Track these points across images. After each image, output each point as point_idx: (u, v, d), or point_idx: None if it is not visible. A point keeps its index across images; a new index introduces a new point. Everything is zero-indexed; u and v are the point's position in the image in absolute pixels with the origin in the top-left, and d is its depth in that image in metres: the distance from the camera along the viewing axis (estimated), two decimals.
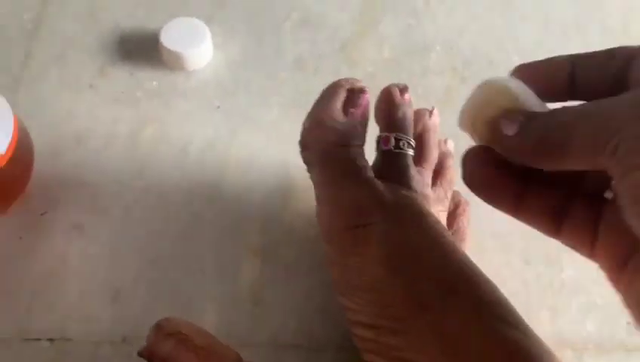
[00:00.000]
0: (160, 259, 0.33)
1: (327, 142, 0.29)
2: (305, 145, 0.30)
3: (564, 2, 0.44)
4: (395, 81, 0.40)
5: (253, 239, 0.34)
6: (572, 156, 0.20)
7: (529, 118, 0.22)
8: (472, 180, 0.24)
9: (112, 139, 0.37)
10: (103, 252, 0.33)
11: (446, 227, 0.30)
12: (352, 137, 0.29)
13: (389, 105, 0.30)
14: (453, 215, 0.32)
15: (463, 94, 0.38)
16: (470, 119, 0.24)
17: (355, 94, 0.29)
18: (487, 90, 0.24)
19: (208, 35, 0.39)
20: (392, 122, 0.29)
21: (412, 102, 0.31)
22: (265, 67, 0.40)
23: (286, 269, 0.33)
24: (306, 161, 0.30)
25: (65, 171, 0.36)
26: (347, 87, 0.29)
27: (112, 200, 0.35)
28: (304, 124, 0.30)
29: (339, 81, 0.30)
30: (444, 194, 0.31)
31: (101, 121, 0.37)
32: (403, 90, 0.30)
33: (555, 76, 0.24)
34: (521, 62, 0.43)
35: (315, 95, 0.39)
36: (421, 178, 0.30)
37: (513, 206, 0.24)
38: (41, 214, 0.34)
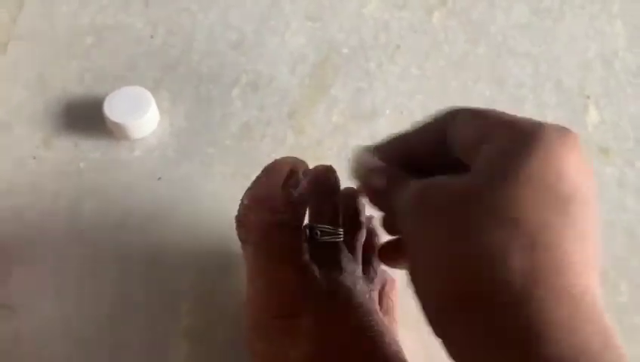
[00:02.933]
0: (89, 342, 0.32)
1: (264, 221, 0.28)
2: (241, 222, 0.29)
3: (519, 60, 0.44)
4: (343, 148, 0.40)
5: (183, 320, 0.33)
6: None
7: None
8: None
9: (52, 213, 0.36)
10: (32, 334, 0.33)
11: (378, 311, 0.29)
12: (291, 218, 0.28)
13: (316, 193, 0.29)
14: (382, 293, 0.31)
15: None
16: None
17: (296, 175, 0.29)
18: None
19: (153, 104, 0.39)
20: (318, 209, 0.29)
21: (340, 184, 0.30)
22: (210, 134, 0.40)
23: (216, 350, 0.32)
24: (241, 238, 0.30)
25: (2, 247, 0.35)
26: (289, 167, 0.29)
27: (48, 278, 0.34)
28: (242, 200, 0.30)
29: (282, 159, 0.30)
30: (374, 272, 0.31)
31: (42, 195, 0.37)
32: (329, 170, 0.30)
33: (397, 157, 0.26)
34: None
35: (259, 163, 0.39)
36: (353, 260, 0.29)
37: None
38: None
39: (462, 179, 0.21)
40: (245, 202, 0.30)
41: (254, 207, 0.29)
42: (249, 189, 0.30)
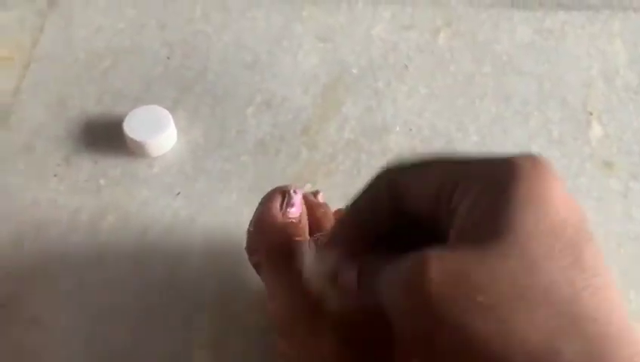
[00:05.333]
0: (112, 354, 0.33)
1: (270, 242, 0.31)
2: (251, 249, 0.32)
3: (524, 78, 0.45)
4: (355, 163, 0.41)
5: (204, 330, 0.34)
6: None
7: None
8: None
9: (73, 229, 0.37)
10: (57, 346, 0.33)
11: None
12: (293, 234, 0.31)
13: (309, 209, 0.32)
14: None
15: None
16: None
17: (288, 195, 0.31)
18: None
19: (171, 122, 0.40)
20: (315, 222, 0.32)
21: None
22: (226, 150, 0.41)
23: (236, 361, 0.33)
24: (254, 264, 0.32)
25: (25, 262, 0.36)
26: (280, 191, 0.32)
27: (70, 292, 0.35)
28: (248, 230, 0.32)
29: (272, 189, 0.32)
30: None
31: (63, 210, 0.38)
32: (315, 193, 0.34)
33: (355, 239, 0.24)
34: (480, 141, 0.44)
35: (274, 178, 0.40)
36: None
37: None
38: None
39: (453, 253, 0.18)
40: (251, 229, 0.32)
41: (260, 231, 0.31)
42: (252, 220, 0.33)
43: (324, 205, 0.33)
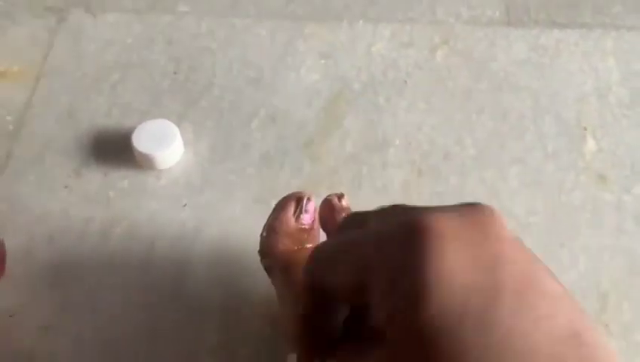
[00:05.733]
0: (123, 357, 0.34)
1: (284, 246, 0.31)
2: (264, 253, 0.33)
3: (520, 94, 0.47)
4: (356, 175, 0.42)
5: (212, 338, 0.35)
6: None
7: None
8: None
9: (83, 239, 0.38)
10: (67, 354, 0.34)
11: None
12: (306, 240, 0.32)
13: (331, 212, 0.32)
14: None
15: (420, 187, 0.40)
16: None
17: (302, 202, 0.32)
18: None
19: (178, 136, 0.41)
20: (333, 228, 0.32)
21: (350, 207, 0.33)
22: (232, 163, 0.42)
23: None
24: (266, 268, 0.33)
25: (36, 271, 0.37)
26: (294, 198, 0.33)
27: (79, 300, 0.36)
28: (262, 234, 0.33)
29: (288, 195, 0.33)
30: None
31: (73, 221, 0.39)
32: (340, 197, 0.33)
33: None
34: (477, 154, 0.45)
35: (279, 190, 0.41)
36: None
37: None
38: (10, 316, 0.35)
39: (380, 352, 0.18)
40: (264, 234, 0.33)
41: (273, 237, 0.32)
42: (265, 224, 0.34)
43: (347, 209, 0.33)
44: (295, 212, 0.32)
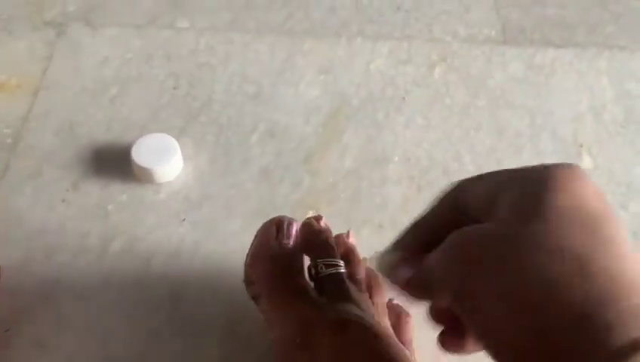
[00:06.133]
0: None
1: (268, 272, 0.31)
2: (249, 281, 0.33)
3: (516, 112, 0.47)
4: (356, 191, 0.42)
5: (211, 353, 0.34)
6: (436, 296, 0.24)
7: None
8: (448, 349, 0.26)
9: (81, 253, 0.38)
10: None
11: (393, 336, 0.31)
12: (291, 263, 0.32)
13: (310, 236, 0.33)
14: (397, 326, 0.33)
15: (419, 202, 0.40)
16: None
17: (284, 227, 0.32)
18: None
19: (178, 150, 0.41)
20: (317, 248, 0.32)
21: (330, 227, 0.33)
22: (231, 178, 0.42)
23: None
24: (252, 295, 0.33)
25: (32, 286, 0.37)
26: (275, 223, 0.33)
27: (75, 316, 0.36)
28: (245, 263, 0.33)
29: (269, 220, 0.33)
30: (382, 308, 0.33)
31: (71, 235, 0.39)
32: (318, 219, 0.34)
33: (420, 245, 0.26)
34: (476, 170, 0.45)
35: (278, 204, 0.41)
36: (358, 290, 0.31)
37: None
38: (5, 331, 0.35)
39: (493, 225, 0.22)
40: (248, 262, 0.33)
41: (256, 263, 0.32)
42: (249, 252, 0.33)
43: (327, 231, 0.34)
44: (277, 236, 0.32)
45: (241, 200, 0.41)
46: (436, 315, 0.26)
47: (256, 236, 0.33)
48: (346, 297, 0.30)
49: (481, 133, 0.46)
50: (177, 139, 0.42)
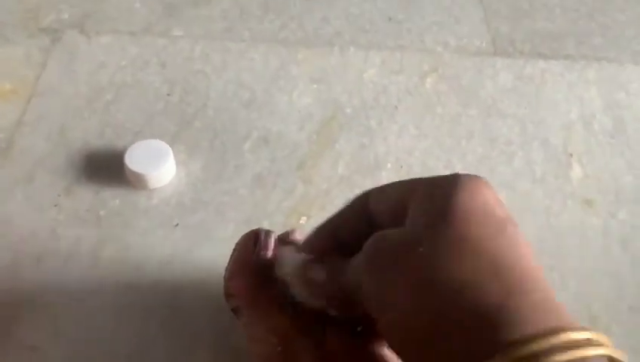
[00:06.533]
0: None
1: (247, 285, 0.31)
2: (228, 294, 0.33)
3: (507, 121, 0.48)
4: (348, 198, 0.42)
5: (202, 359, 0.34)
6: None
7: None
8: None
9: (72, 259, 0.38)
10: None
11: (375, 341, 0.31)
12: (269, 275, 0.31)
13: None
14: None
15: None
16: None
17: (262, 238, 0.32)
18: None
19: (171, 156, 0.41)
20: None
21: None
22: (224, 184, 0.42)
23: None
24: (232, 308, 0.33)
25: (24, 291, 0.36)
26: (252, 236, 0.33)
27: (67, 321, 0.35)
28: (224, 278, 0.33)
29: (246, 233, 0.33)
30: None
31: (63, 240, 0.39)
32: (291, 233, 0.34)
33: (326, 247, 0.29)
34: None
35: (271, 211, 0.41)
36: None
37: None
38: None
39: (406, 229, 0.23)
40: (227, 275, 0.33)
41: (235, 277, 0.32)
42: (227, 265, 0.33)
43: (297, 244, 0.33)
44: (254, 249, 0.32)
45: (234, 207, 0.41)
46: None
47: (234, 249, 0.33)
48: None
49: (473, 141, 0.46)
50: (171, 145, 0.42)
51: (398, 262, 0.23)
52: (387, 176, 0.43)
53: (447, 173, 0.44)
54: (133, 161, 0.41)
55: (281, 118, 0.46)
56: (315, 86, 0.49)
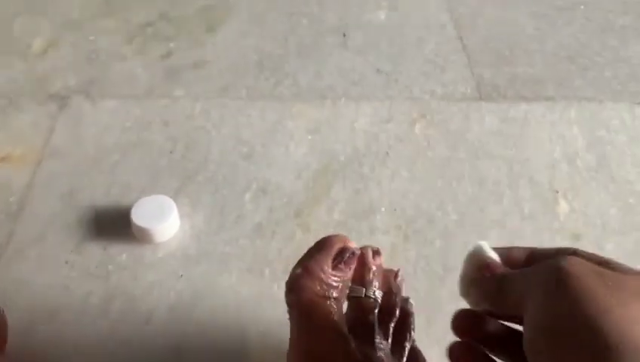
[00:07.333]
0: None
1: (312, 290, 0.31)
2: (291, 288, 0.32)
3: (495, 162, 0.50)
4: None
5: None
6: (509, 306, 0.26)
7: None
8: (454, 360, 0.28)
9: (84, 312, 0.39)
10: None
11: None
12: (336, 291, 0.31)
13: (361, 267, 0.33)
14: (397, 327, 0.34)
15: (407, 250, 0.42)
16: (463, 281, 0.29)
17: (346, 253, 0.32)
18: (471, 258, 0.29)
19: (175, 210, 0.43)
20: (363, 280, 0.33)
21: (382, 265, 0.34)
22: (226, 234, 0.44)
23: None
24: (288, 303, 0.32)
25: (38, 346, 0.38)
26: (340, 244, 0.33)
27: None
28: (294, 269, 0.33)
29: (333, 237, 0.33)
30: (402, 352, 0.34)
31: (74, 295, 0.40)
32: (376, 253, 0.34)
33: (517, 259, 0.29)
34: (459, 219, 0.47)
35: (272, 259, 0.43)
36: (384, 337, 0.32)
37: None
38: None
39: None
40: (298, 271, 0.32)
41: (304, 276, 0.32)
42: (302, 260, 0.33)
43: (380, 268, 0.34)
44: (335, 259, 0.32)
45: (236, 256, 0.43)
46: (461, 324, 0.28)
47: (315, 247, 0.33)
48: (371, 342, 0.31)
49: (463, 183, 0.48)
50: (174, 199, 0.44)
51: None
52: (381, 219, 0.45)
53: (440, 214, 0.46)
54: (139, 216, 0.43)
55: (278, 169, 0.49)
56: (309, 137, 0.51)
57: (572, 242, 0.44)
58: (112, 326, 0.39)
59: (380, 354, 0.30)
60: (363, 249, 0.34)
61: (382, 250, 0.43)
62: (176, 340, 0.38)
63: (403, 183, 0.48)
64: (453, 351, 0.28)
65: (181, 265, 0.42)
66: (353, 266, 0.32)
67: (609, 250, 0.44)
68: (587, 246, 0.44)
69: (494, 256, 0.28)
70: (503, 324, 0.29)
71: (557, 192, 0.48)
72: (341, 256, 0.32)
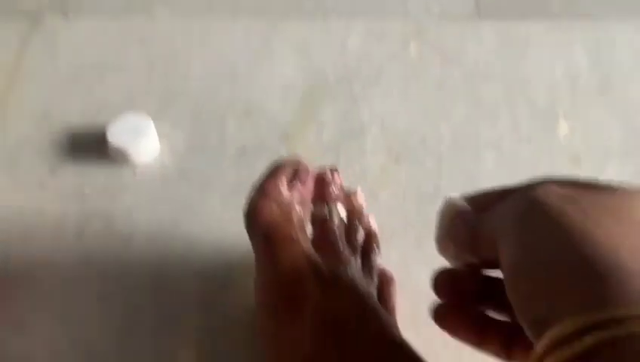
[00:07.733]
0: (98, 354, 0.33)
1: (271, 213, 0.30)
2: (249, 215, 0.32)
3: (492, 82, 0.47)
4: (334, 164, 0.42)
5: (191, 329, 0.34)
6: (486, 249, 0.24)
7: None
8: (442, 324, 0.26)
9: (58, 237, 0.38)
10: (42, 351, 0.33)
11: (377, 301, 0.31)
12: (295, 211, 0.31)
13: (322, 187, 0.32)
14: (381, 291, 0.33)
15: (397, 173, 0.39)
16: (439, 238, 0.27)
17: (300, 172, 0.32)
18: (442, 214, 0.27)
19: (153, 130, 0.41)
20: (324, 199, 0.32)
21: (342, 183, 0.33)
22: (208, 157, 0.42)
23: (224, 358, 0.33)
24: (249, 231, 0.32)
25: (11, 269, 0.37)
26: (293, 165, 0.32)
27: (53, 298, 0.35)
28: (250, 195, 0.32)
29: (285, 159, 0.32)
30: (371, 271, 0.33)
31: (48, 219, 0.39)
32: (334, 171, 0.33)
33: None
34: (453, 140, 0.45)
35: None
36: (352, 253, 0.31)
37: (476, 341, 0.26)
38: None
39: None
40: (253, 197, 0.32)
41: (261, 200, 0.31)
42: (256, 185, 0.32)
43: (339, 185, 0.33)
44: (290, 179, 0.31)
45: (219, 179, 0.41)
46: (441, 287, 0.26)
47: (268, 169, 0.32)
48: (339, 258, 0.30)
49: (458, 103, 0.46)
50: (154, 120, 0.42)
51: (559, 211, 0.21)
52: (372, 139, 0.43)
53: (433, 135, 0.44)
54: (116, 136, 0.40)
55: (263, 90, 0.46)
56: (297, 56, 0.48)
57: (572, 165, 0.43)
58: (88, 250, 0.37)
59: (351, 271, 0.29)
60: (320, 168, 0.33)
61: (372, 173, 0.42)
62: (157, 265, 0.37)
63: (395, 104, 0.46)
64: (438, 313, 0.26)
65: (161, 188, 0.40)
66: (310, 184, 0.31)
67: (610, 174, 0.42)
68: (588, 169, 0.42)
69: (464, 204, 0.26)
70: (488, 277, 0.26)
71: (557, 113, 0.45)
72: (296, 175, 0.31)
